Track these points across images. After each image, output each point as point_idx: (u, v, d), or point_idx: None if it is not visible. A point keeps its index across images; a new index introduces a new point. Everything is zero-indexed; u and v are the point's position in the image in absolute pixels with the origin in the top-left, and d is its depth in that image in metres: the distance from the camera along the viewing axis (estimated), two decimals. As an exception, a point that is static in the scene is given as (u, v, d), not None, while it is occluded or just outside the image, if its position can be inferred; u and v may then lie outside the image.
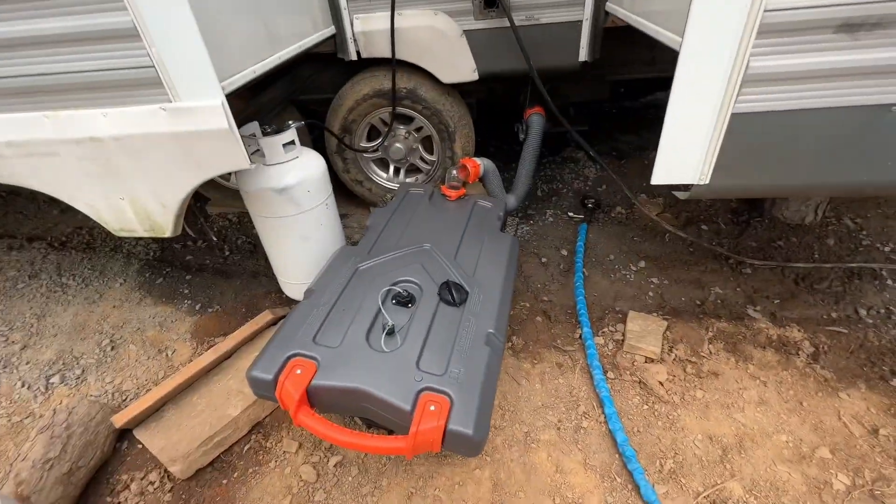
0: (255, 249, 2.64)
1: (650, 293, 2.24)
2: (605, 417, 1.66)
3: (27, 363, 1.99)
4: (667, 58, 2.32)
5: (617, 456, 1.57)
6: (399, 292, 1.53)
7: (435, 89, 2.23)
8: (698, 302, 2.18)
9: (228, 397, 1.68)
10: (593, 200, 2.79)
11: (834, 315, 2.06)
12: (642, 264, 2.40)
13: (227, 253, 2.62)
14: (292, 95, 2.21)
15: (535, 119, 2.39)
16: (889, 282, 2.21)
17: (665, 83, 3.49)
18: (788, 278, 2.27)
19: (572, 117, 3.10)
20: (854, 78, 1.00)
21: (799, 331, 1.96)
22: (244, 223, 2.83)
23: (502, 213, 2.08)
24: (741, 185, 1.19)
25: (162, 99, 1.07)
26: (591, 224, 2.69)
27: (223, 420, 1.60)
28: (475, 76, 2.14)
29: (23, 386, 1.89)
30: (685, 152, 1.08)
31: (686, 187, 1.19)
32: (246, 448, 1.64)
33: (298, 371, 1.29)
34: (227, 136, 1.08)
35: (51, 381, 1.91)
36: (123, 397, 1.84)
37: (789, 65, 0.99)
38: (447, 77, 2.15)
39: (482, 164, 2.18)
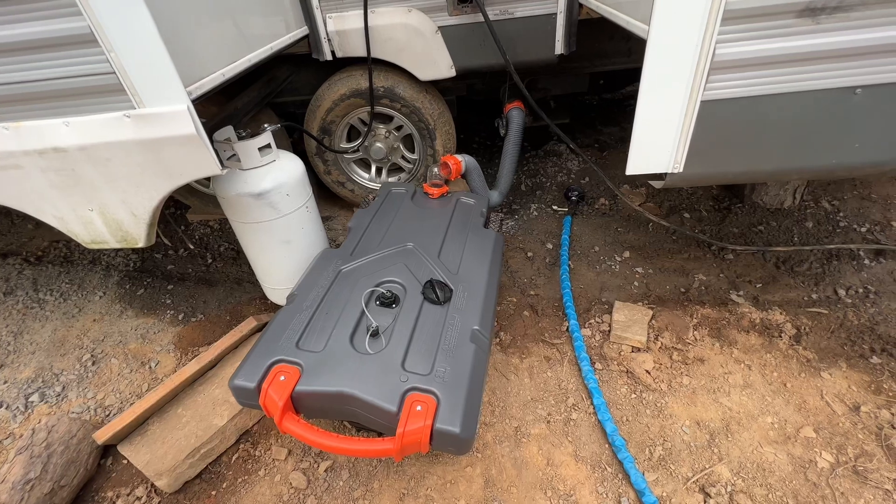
0: (238, 256, 2.60)
1: (635, 283, 2.26)
2: (594, 408, 1.67)
3: (4, 382, 1.94)
4: (642, 48, 2.32)
5: (607, 446, 1.58)
6: (382, 293, 1.52)
7: (413, 87, 2.21)
8: (683, 289, 2.20)
9: (214, 407, 1.65)
10: (577, 193, 2.80)
11: (814, 296, 2.10)
12: (627, 254, 2.42)
13: (209, 260, 2.58)
14: (269, 98, 2.18)
15: (515, 114, 2.38)
16: (866, 261, 2.25)
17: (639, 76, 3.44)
18: (770, 262, 2.31)
19: (553, 110, 3.13)
20: (818, 62, 1.02)
21: (781, 313, 1.99)
22: (226, 230, 2.78)
23: (485, 209, 2.08)
24: (715, 172, 1.19)
25: (125, 106, 1.04)
26: (575, 216, 2.70)
27: (209, 430, 1.58)
28: (452, 72, 2.13)
29: (1, 406, 1.84)
30: (657, 141, 1.09)
31: (661, 176, 1.19)
32: (234, 458, 1.62)
33: (282, 378, 1.27)
34: (194, 141, 1.06)
35: (30, 399, 1.86)
36: (106, 412, 1.81)
37: (754, 51, 1.00)
38: (424, 74, 2.14)
39: (464, 160, 2.17)
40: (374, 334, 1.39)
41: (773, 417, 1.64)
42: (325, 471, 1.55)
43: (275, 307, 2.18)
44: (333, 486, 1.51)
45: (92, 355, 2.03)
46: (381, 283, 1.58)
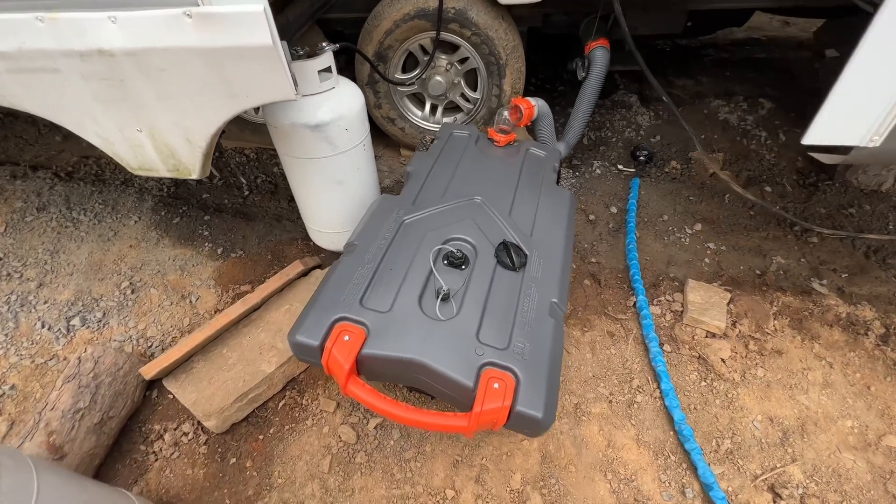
0: (276, 189, 2.44)
1: (706, 259, 2.07)
2: (660, 393, 1.56)
3: (45, 302, 1.89)
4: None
5: (671, 433, 1.49)
6: (452, 252, 1.36)
7: (488, 12, 1.89)
8: (758, 272, 2.01)
9: (261, 352, 1.58)
10: (646, 153, 2.52)
11: (908, 293, 1.90)
12: (698, 227, 2.21)
13: (245, 192, 2.43)
14: (321, 12, 1.89)
15: (599, 54, 2.06)
16: (971, 260, 2.02)
17: (737, 17, 2.98)
18: (859, 250, 2.09)
19: (625, 54, 2.75)
20: None
21: (871, 309, 1.81)
22: (262, 160, 2.60)
23: (558, 163, 1.86)
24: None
25: (186, 0, 0.82)
26: (642, 179, 2.45)
27: (257, 376, 1.52)
28: (538, -4, 1.80)
29: (43, 327, 1.80)
30: (862, 107, 0.85)
31: (844, 150, 0.96)
32: (281, 404, 1.57)
33: (346, 337, 1.15)
34: (269, 55, 0.85)
35: (71, 322, 1.81)
36: (149, 343, 1.76)
37: None
38: (506, -5, 1.82)
39: (537, 105, 1.91)
40: (445, 298, 1.26)
41: (854, 422, 1.52)
42: (375, 428, 1.50)
43: (318, 249, 2.06)
44: (384, 444, 1.47)
45: (130, 283, 1.95)
46: (448, 240, 1.42)
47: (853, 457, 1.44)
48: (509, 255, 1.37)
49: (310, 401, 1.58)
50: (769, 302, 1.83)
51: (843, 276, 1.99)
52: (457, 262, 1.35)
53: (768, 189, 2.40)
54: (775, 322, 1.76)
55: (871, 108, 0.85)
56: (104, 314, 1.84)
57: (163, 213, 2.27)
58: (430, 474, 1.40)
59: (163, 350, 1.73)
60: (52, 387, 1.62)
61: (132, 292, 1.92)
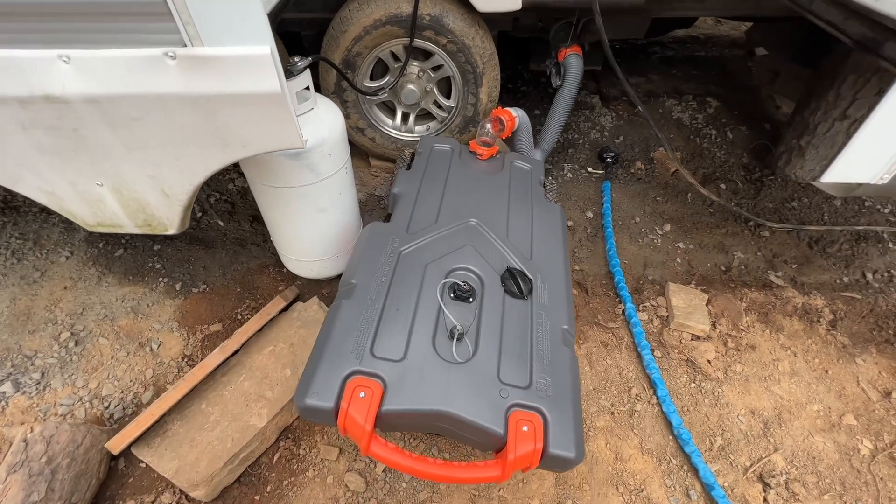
0: (235, 209, 2.21)
1: (678, 259, 2.18)
2: (657, 399, 1.63)
3: (-40, 367, 1.57)
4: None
5: (671, 438, 1.56)
6: (458, 284, 1.30)
7: (465, 19, 1.80)
8: (723, 268, 2.15)
9: (248, 404, 1.43)
10: (612, 154, 2.59)
11: (845, 280, 2.13)
12: (667, 227, 2.32)
13: (198, 214, 2.18)
14: (281, 15, 1.69)
15: (574, 61, 2.06)
16: (890, 245, 2.30)
17: (687, 20, 3.11)
18: (803, 242, 2.30)
19: (585, 56, 2.79)
20: None
21: (821, 298, 2.01)
22: (214, 176, 2.34)
23: (542, 176, 1.84)
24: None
25: (169, 40, 0.65)
26: (612, 181, 2.52)
27: (248, 432, 1.37)
28: (517, 5, 1.74)
29: (-38, 398, 1.50)
30: (880, 150, 0.89)
31: (852, 186, 1.02)
32: (276, 457, 1.44)
33: (362, 394, 1.06)
34: (276, 102, 0.71)
35: (1, 389, 1.53)
36: (105, 404, 1.53)
37: None
38: (485, 3, 1.73)
39: (518, 116, 1.87)
40: (460, 338, 1.20)
41: (819, 405, 1.69)
42: (384, 471, 1.42)
43: (293, 276, 1.90)
44: (395, 487, 1.40)
45: (72, 333, 1.68)
46: (451, 270, 1.36)
47: (822, 439, 1.60)
48: (516, 283, 1.33)
49: (308, 450, 1.46)
50: (739, 299, 1.96)
51: (793, 266, 2.18)
52: (464, 295, 1.29)
53: (723, 186, 2.57)
54: (747, 318, 1.89)
55: (884, 154, 0.91)
56: (43, 374, 1.57)
57: (101, 246, 1.97)
58: (448, 514, 1.35)
59: (124, 410, 1.52)
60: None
61: (75, 344, 1.65)
